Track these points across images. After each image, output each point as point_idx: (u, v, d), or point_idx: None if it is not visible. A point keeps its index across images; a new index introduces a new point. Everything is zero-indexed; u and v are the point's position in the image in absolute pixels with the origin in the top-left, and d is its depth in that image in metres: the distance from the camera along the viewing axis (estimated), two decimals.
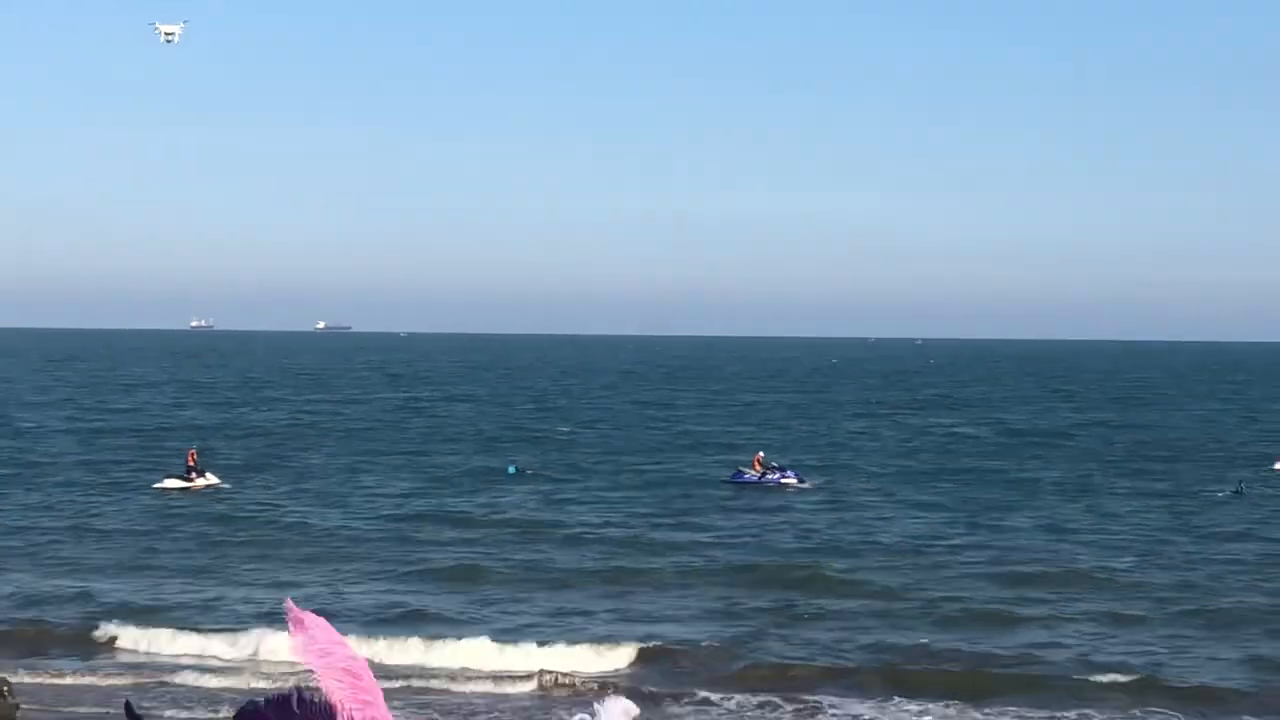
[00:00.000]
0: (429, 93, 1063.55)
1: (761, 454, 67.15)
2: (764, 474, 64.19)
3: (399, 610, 37.81)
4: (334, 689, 6.00)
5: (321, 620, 6.12)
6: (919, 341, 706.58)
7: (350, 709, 5.98)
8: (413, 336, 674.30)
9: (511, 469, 69.73)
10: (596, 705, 7.32)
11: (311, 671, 6.00)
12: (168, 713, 29.19)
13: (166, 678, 31.73)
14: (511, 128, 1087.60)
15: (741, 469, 65.91)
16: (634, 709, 7.38)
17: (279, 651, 32.81)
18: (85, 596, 39.17)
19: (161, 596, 39.55)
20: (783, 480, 63.70)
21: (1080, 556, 46.28)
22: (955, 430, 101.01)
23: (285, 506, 56.90)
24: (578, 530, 51.18)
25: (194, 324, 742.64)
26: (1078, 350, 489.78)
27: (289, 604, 6.13)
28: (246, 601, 39.00)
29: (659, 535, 50.31)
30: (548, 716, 28.61)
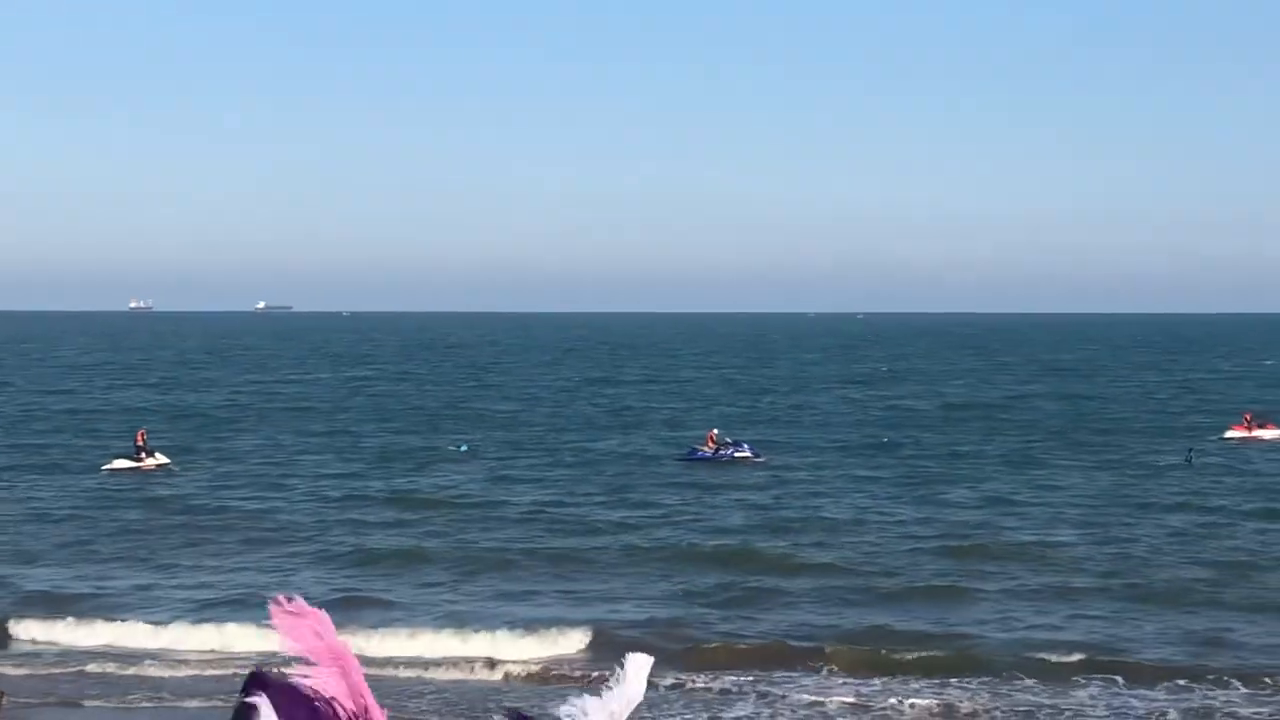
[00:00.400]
0: (367, 73, 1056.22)
1: (715, 430, 67.23)
2: (718, 450, 64.11)
3: (344, 595, 37.47)
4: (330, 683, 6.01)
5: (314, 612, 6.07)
6: (860, 316, 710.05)
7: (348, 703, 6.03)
8: (356, 316, 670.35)
9: (463, 447, 69.42)
10: (620, 663, 7.10)
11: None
12: (91, 704, 28.83)
13: (99, 667, 31.23)
14: (447, 108, 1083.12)
15: (696, 446, 65.90)
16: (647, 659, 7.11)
17: (212, 641, 32.77)
18: (18, 583, 38.65)
19: (102, 584, 39.08)
20: (737, 455, 63.61)
21: (1023, 530, 46.57)
22: (898, 403, 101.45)
23: (228, 489, 56.40)
24: (526, 510, 50.94)
25: (133, 305, 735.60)
26: (1018, 324, 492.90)
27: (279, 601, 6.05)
28: (185, 587, 38.62)
29: (608, 515, 50.17)
30: (498, 701, 28.50)
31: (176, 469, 61.38)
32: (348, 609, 35.84)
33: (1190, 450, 66.10)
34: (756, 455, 64.15)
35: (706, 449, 64.45)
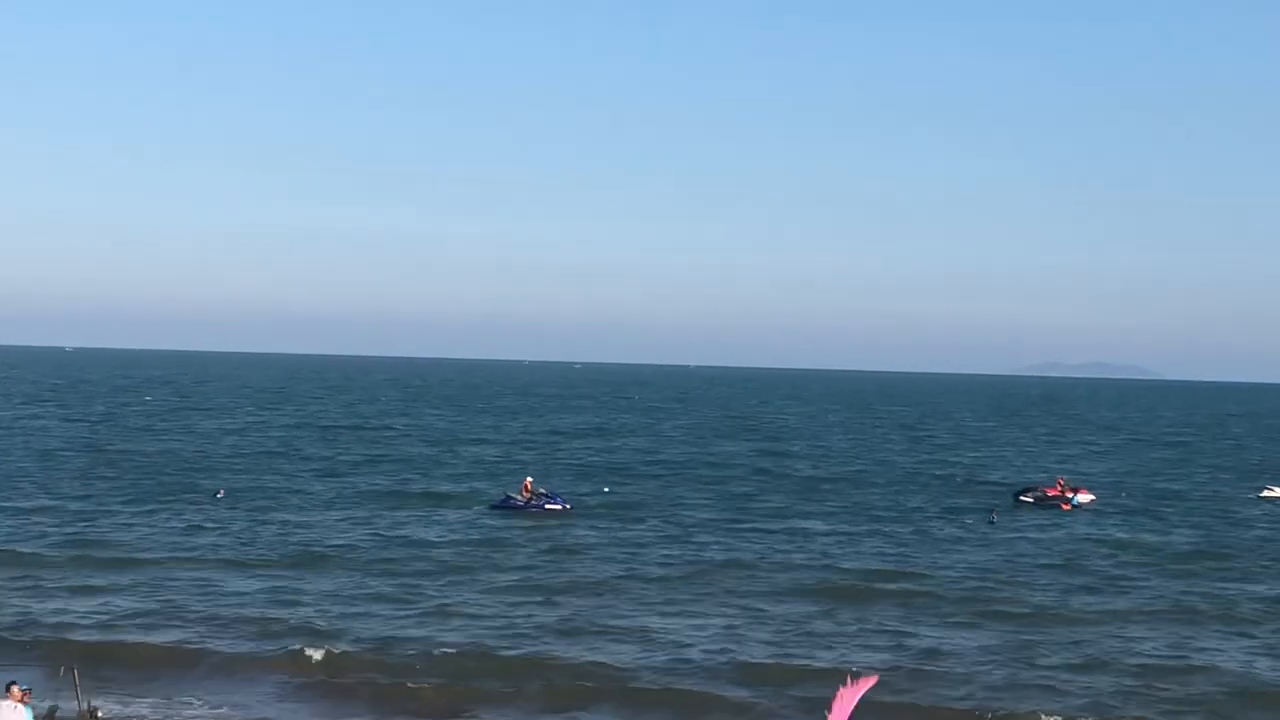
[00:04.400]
0: (77, 96, 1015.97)
1: (530, 480, 65.66)
2: (531, 500, 62.48)
3: None
4: None
5: None
6: (578, 365, 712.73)
7: None
8: (80, 352, 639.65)
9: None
10: None
11: None
12: None
13: None
14: (175, 138, 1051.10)
15: (510, 495, 64.11)
16: None
17: None
18: None
19: None
20: (548, 506, 62.18)
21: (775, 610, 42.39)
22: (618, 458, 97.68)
23: None
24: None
25: None
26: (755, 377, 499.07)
27: None
28: None
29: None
30: None
31: None
32: None
33: (994, 510, 65.09)
34: (567, 506, 62.48)
35: (520, 498, 62.84)
